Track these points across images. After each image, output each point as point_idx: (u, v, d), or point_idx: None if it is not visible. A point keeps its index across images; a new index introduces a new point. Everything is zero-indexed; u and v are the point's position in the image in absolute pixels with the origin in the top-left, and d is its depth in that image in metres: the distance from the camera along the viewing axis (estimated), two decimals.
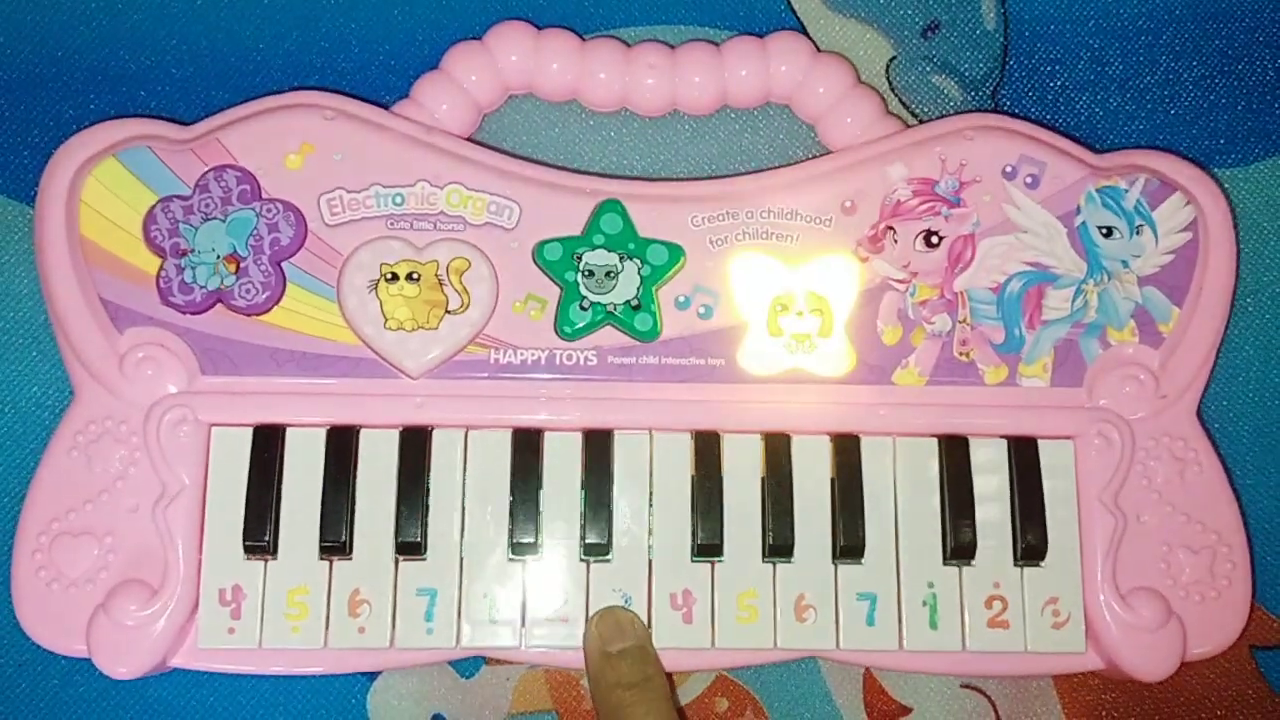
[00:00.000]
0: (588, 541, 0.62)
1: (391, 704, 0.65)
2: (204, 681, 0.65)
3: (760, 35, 0.68)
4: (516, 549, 0.62)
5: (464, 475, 0.63)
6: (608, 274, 0.64)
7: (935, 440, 0.64)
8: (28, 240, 0.67)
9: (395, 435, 0.63)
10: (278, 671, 0.62)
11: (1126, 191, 0.66)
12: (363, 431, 0.63)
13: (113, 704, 0.65)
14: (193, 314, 0.63)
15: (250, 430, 0.63)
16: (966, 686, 0.67)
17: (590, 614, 0.62)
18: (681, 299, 0.65)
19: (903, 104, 0.71)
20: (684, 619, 0.62)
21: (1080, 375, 0.65)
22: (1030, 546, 0.62)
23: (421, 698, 0.66)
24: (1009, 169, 0.66)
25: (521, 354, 0.64)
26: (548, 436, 0.63)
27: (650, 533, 0.63)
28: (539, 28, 0.68)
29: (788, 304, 0.64)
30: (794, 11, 0.71)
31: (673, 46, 0.68)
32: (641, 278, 0.64)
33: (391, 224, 0.64)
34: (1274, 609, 0.68)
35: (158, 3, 0.70)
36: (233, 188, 0.64)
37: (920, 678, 0.67)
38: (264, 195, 0.64)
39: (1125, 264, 0.65)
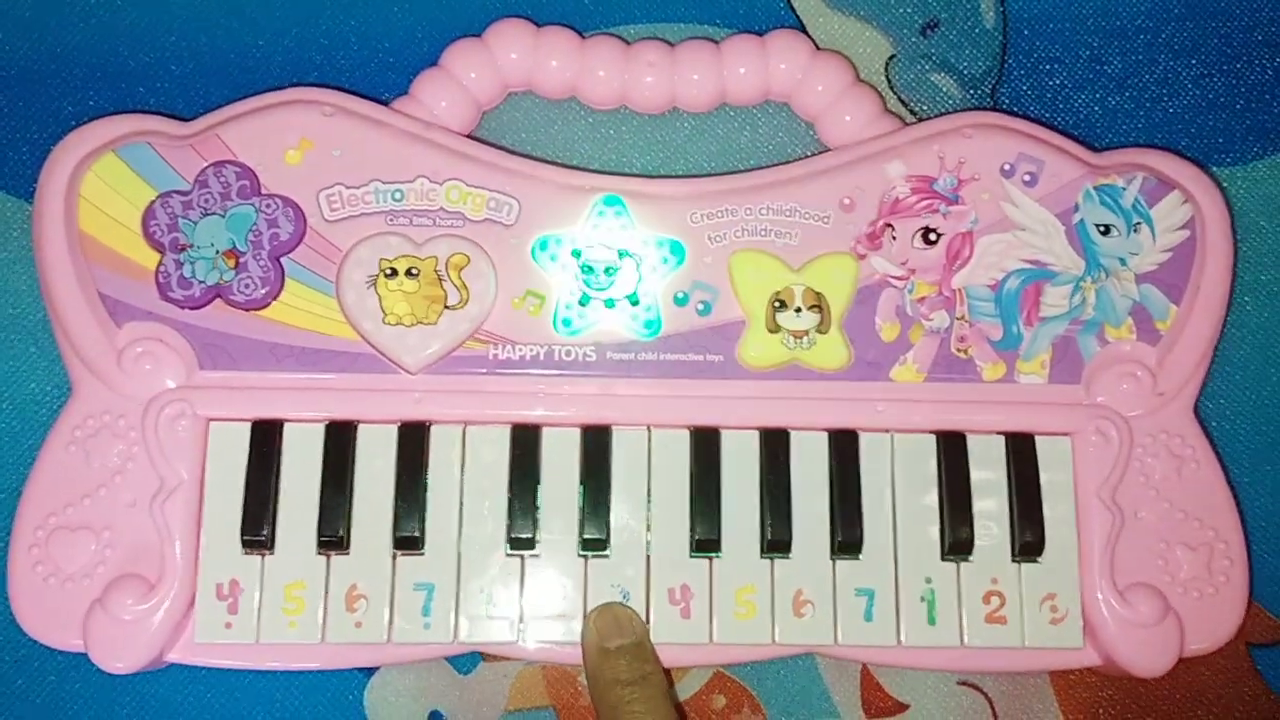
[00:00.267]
0: (586, 537, 0.62)
1: (389, 700, 0.65)
2: (201, 677, 0.65)
3: (759, 33, 0.68)
4: (514, 544, 0.62)
5: (462, 470, 0.63)
6: (607, 270, 0.64)
7: (933, 437, 0.64)
8: (26, 237, 0.67)
9: (393, 430, 0.63)
10: (274, 666, 0.62)
11: (1124, 190, 0.66)
12: (361, 427, 0.63)
13: (109, 700, 0.65)
14: (191, 309, 0.63)
15: (248, 425, 0.63)
16: (963, 684, 0.67)
17: (588, 610, 0.62)
18: (680, 295, 0.65)
19: (901, 102, 0.71)
20: (682, 614, 0.62)
21: (1078, 372, 0.65)
22: (1028, 543, 0.63)
23: (419, 694, 0.65)
24: (1007, 167, 0.66)
25: (520, 349, 0.64)
26: (546, 432, 0.63)
27: (648, 528, 0.63)
28: (538, 25, 0.68)
29: (786, 300, 0.65)
30: (793, 9, 0.71)
31: (672, 44, 0.68)
32: (640, 274, 0.64)
33: (391, 220, 0.64)
34: (1270, 607, 0.68)
35: (157, 0, 0.70)
36: (232, 183, 0.64)
37: (917, 675, 0.67)
38: (263, 191, 0.64)
39: (1123, 261, 0.65)
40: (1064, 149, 0.66)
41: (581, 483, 0.63)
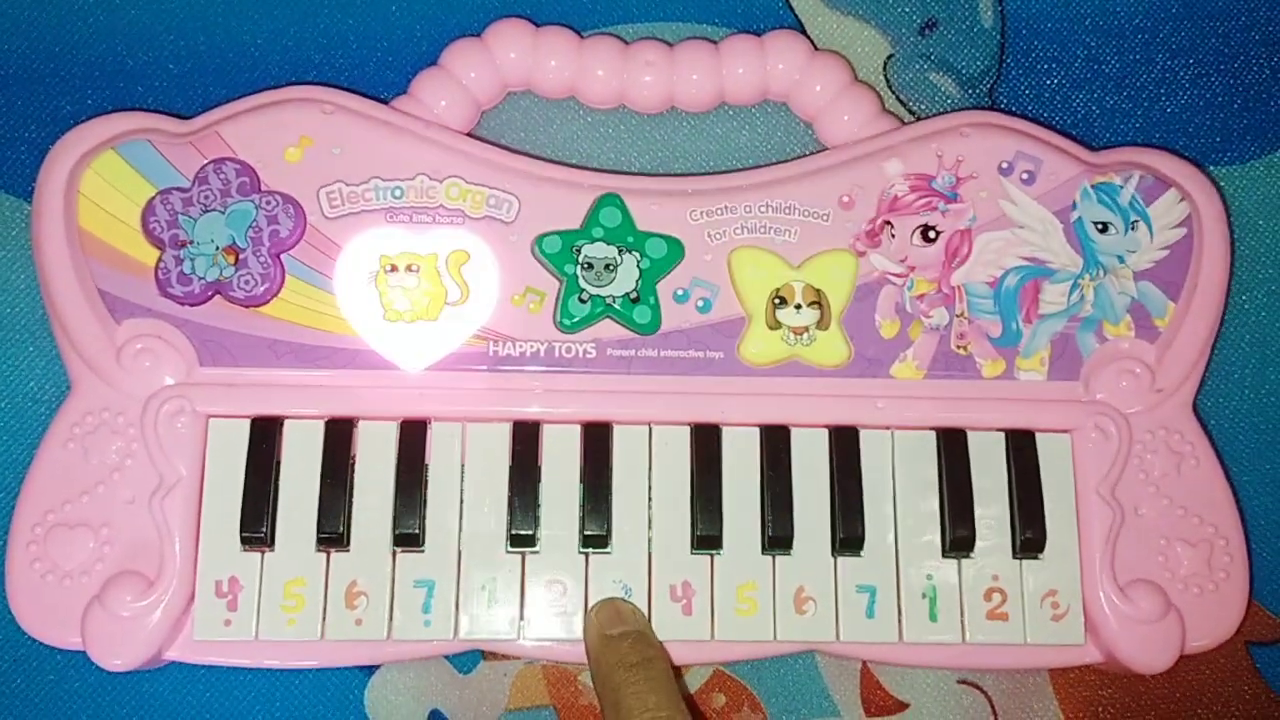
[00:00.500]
0: (587, 533, 0.62)
1: (389, 699, 0.65)
2: (200, 676, 0.64)
3: (758, 33, 0.68)
4: (515, 541, 0.62)
5: (462, 467, 0.63)
6: (607, 267, 0.64)
7: (933, 433, 0.64)
8: (25, 236, 0.66)
9: (394, 427, 0.63)
10: (274, 664, 0.62)
11: (1122, 188, 0.66)
12: (361, 423, 0.63)
13: (108, 697, 0.64)
14: (191, 305, 0.63)
15: (248, 422, 0.62)
16: (963, 682, 0.67)
17: (589, 607, 0.62)
18: (680, 292, 0.65)
19: (900, 101, 0.71)
20: (683, 611, 0.62)
21: (1077, 369, 0.65)
22: (1029, 539, 0.63)
23: (419, 693, 0.65)
24: (1005, 165, 0.66)
25: (520, 346, 0.64)
26: (546, 429, 0.63)
27: (649, 525, 0.63)
28: (537, 25, 0.68)
29: (786, 297, 0.65)
30: (791, 9, 0.71)
31: (671, 44, 0.68)
32: (640, 271, 0.64)
33: (391, 217, 0.64)
34: (1270, 605, 0.68)
35: None
36: (232, 180, 0.64)
37: (917, 674, 0.66)
38: (263, 188, 0.64)
39: (1121, 259, 0.66)
40: (1062, 148, 0.66)
41: (582, 480, 0.63)
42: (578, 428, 0.63)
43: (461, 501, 0.62)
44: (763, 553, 0.62)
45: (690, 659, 0.64)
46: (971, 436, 0.64)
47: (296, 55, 0.70)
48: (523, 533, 0.62)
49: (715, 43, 0.68)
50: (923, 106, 0.71)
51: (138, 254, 0.63)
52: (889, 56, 0.71)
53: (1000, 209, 0.66)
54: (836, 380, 0.65)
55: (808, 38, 0.69)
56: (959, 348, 0.65)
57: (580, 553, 0.62)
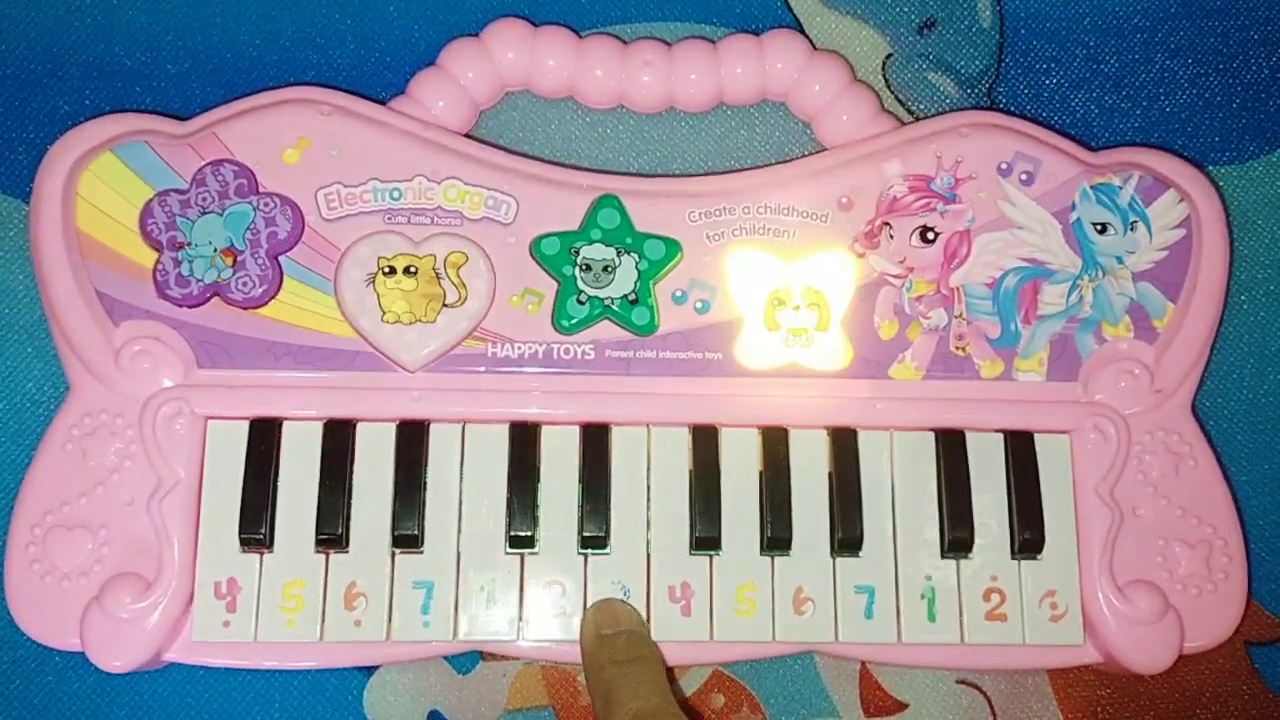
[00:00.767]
0: (585, 534, 0.62)
1: (388, 700, 0.65)
2: (199, 677, 0.64)
3: (757, 33, 0.68)
4: (514, 542, 0.62)
5: (461, 468, 0.63)
6: (605, 268, 0.64)
7: (932, 434, 0.64)
8: (23, 236, 0.66)
9: (392, 429, 0.63)
10: (273, 665, 0.62)
11: (1121, 188, 0.66)
12: (359, 425, 0.63)
13: (107, 699, 0.64)
14: (189, 307, 0.63)
15: (246, 424, 0.62)
16: (962, 683, 0.67)
17: (587, 607, 0.62)
18: (679, 293, 0.65)
19: (899, 101, 0.71)
20: (682, 612, 0.62)
21: (1076, 370, 0.65)
22: (1028, 540, 0.63)
23: (418, 694, 0.65)
24: (1004, 166, 0.66)
25: (519, 348, 0.64)
26: (545, 430, 0.63)
27: (648, 526, 0.63)
28: (536, 25, 0.68)
29: (785, 299, 0.65)
30: (790, 9, 0.71)
31: (669, 44, 0.68)
32: (639, 272, 0.64)
33: (389, 218, 0.64)
34: (1268, 605, 0.68)
35: None
36: (230, 182, 0.64)
37: (916, 674, 0.67)
38: (261, 189, 0.64)
39: (1120, 260, 0.66)
40: (1061, 148, 0.66)
41: (581, 481, 0.63)
42: (576, 429, 0.63)
43: (460, 503, 0.62)
44: (761, 553, 0.63)
45: (689, 659, 0.64)
46: (970, 437, 0.64)
47: (294, 56, 0.70)
48: (521, 534, 0.62)
49: (714, 42, 0.68)
50: (921, 106, 0.71)
51: (136, 256, 0.63)
52: (887, 56, 0.71)
53: (999, 210, 0.66)
54: (835, 381, 0.65)
55: (806, 38, 0.69)
56: (958, 349, 0.65)
57: (579, 554, 0.62)
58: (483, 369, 0.64)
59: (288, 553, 0.61)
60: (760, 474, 0.63)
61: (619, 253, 0.65)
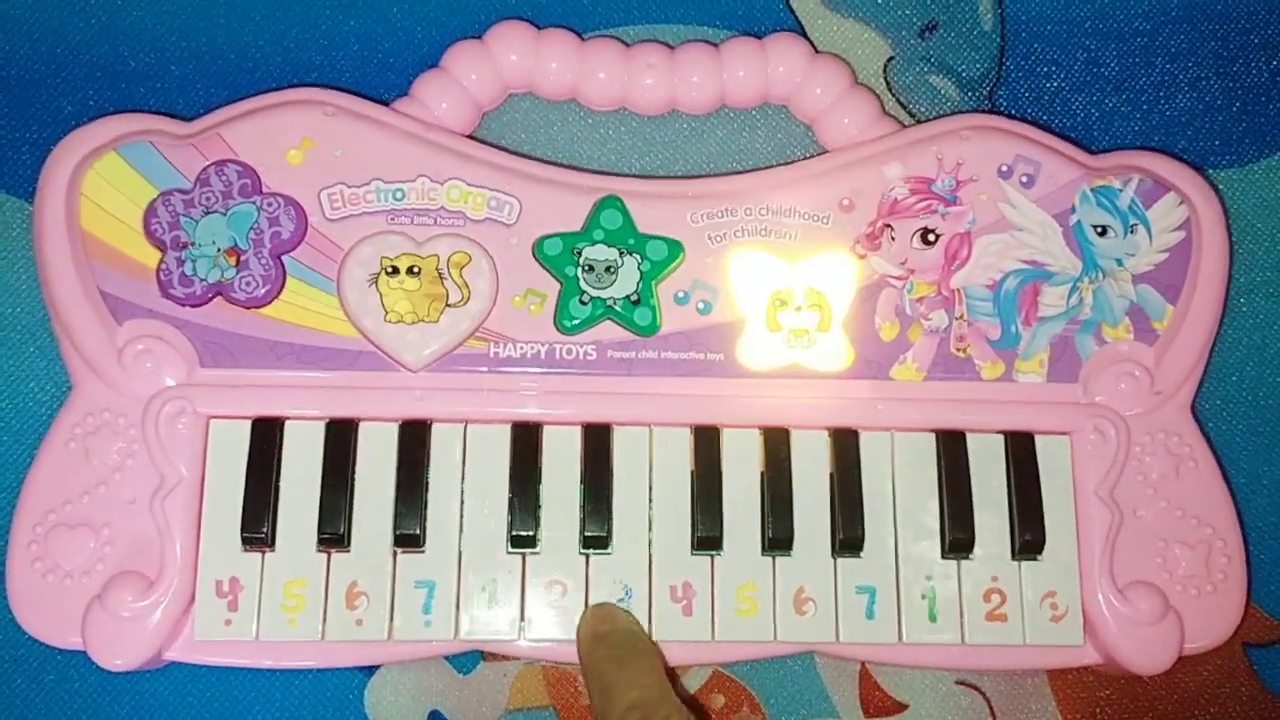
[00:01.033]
0: (587, 534, 0.62)
1: (389, 700, 0.65)
2: (200, 676, 0.64)
3: (759, 35, 0.69)
4: (515, 542, 0.62)
5: (463, 468, 0.63)
6: (607, 269, 0.65)
7: (933, 435, 0.64)
8: (26, 236, 0.67)
9: (394, 428, 0.63)
10: (274, 664, 0.62)
11: (1121, 191, 0.66)
12: (362, 424, 0.63)
13: (108, 697, 0.64)
14: (192, 306, 0.63)
15: (249, 423, 0.63)
16: (962, 684, 0.67)
17: (585, 608, 0.62)
18: (681, 294, 0.65)
19: (900, 104, 0.71)
20: (684, 612, 0.62)
21: (1076, 371, 0.65)
22: (1028, 541, 0.63)
23: (419, 693, 0.65)
24: (1005, 168, 0.66)
25: (521, 348, 0.64)
26: (547, 430, 0.63)
27: (650, 526, 0.63)
28: (539, 27, 0.68)
29: (786, 300, 0.65)
30: (792, 11, 0.72)
31: (672, 46, 0.68)
32: (641, 273, 0.65)
33: (392, 219, 0.64)
34: (1267, 606, 0.68)
35: (159, 0, 0.71)
36: (234, 182, 0.64)
37: (915, 675, 0.67)
38: (265, 189, 0.64)
39: (1120, 262, 0.66)
40: (1061, 151, 0.66)
41: (582, 481, 0.63)
42: (578, 429, 0.63)
43: (462, 502, 0.62)
44: (763, 554, 0.63)
45: (690, 659, 0.64)
46: (971, 438, 0.64)
47: (298, 57, 0.71)
48: (523, 534, 0.62)
49: (716, 45, 0.68)
50: (923, 109, 0.71)
51: (139, 255, 0.64)
52: (889, 59, 0.72)
53: (1000, 212, 0.66)
54: (836, 382, 0.65)
55: (808, 40, 0.70)
56: (958, 350, 0.65)
57: (581, 554, 0.62)
58: (485, 369, 0.64)
59: (289, 552, 0.61)
60: (762, 474, 0.63)
61: (621, 253, 0.65)
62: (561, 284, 0.64)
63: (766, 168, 0.68)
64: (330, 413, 0.63)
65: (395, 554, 0.62)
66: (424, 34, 0.71)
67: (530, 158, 0.68)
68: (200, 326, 0.63)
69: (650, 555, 0.62)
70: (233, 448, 0.62)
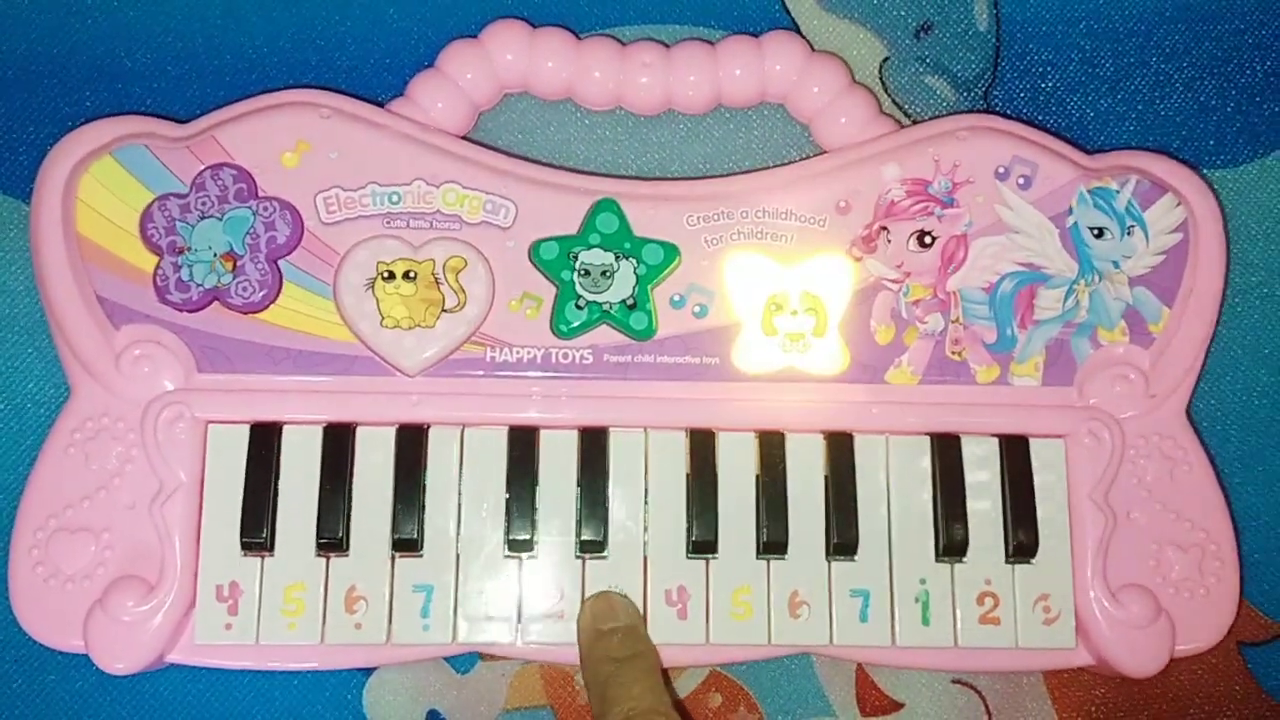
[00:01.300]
0: (583, 538, 0.62)
1: (387, 700, 0.66)
2: (200, 678, 0.65)
3: (755, 35, 0.68)
4: (512, 546, 0.62)
5: (460, 472, 0.63)
6: (604, 273, 0.65)
7: (928, 439, 0.64)
8: (23, 237, 0.67)
9: (391, 433, 0.63)
10: (274, 667, 0.62)
11: (1118, 192, 0.66)
12: (359, 429, 0.63)
13: (109, 700, 0.65)
14: (189, 311, 0.63)
15: (247, 428, 0.63)
16: (958, 682, 0.67)
17: (584, 599, 0.62)
18: (677, 298, 0.65)
19: (896, 104, 0.71)
20: (679, 615, 0.62)
21: (1071, 375, 0.65)
22: (1022, 544, 0.63)
23: (417, 693, 0.66)
24: (1001, 170, 0.66)
25: (517, 352, 0.64)
26: (543, 434, 0.64)
27: (645, 530, 0.63)
28: (534, 26, 0.68)
29: (782, 303, 0.65)
30: (788, 12, 0.71)
31: (668, 46, 0.68)
32: (637, 277, 0.65)
33: (388, 223, 0.65)
34: (1262, 605, 0.68)
35: (154, 0, 0.70)
36: (229, 186, 0.64)
37: (912, 674, 0.67)
38: (260, 194, 0.64)
39: (1116, 264, 0.66)
40: (1058, 152, 0.66)
41: (579, 484, 0.63)
42: (574, 433, 0.64)
43: (459, 506, 0.63)
44: (757, 557, 0.63)
45: (686, 662, 0.65)
46: (965, 442, 0.64)
47: (295, 56, 0.70)
48: (520, 537, 0.62)
49: (712, 44, 0.68)
50: (918, 110, 0.71)
51: (136, 260, 0.64)
52: (885, 59, 0.71)
53: (996, 214, 0.66)
54: (832, 386, 0.65)
55: (805, 40, 0.69)
56: (954, 353, 0.65)
57: (577, 557, 0.63)
58: (481, 373, 0.64)
59: (288, 556, 0.62)
60: (757, 478, 0.64)
61: (617, 257, 0.65)
62: (558, 288, 0.64)
63: (763, 168, 0.68)
64: (328, 417, 0.63)
65: (393, 558, 0.62)
66: (419, 34, 0.71)
67: (526, 159, 0.67)
68: (197, 331, 0.63)
69: (645, 559, 0.63)
70: (231, 452, 0.63)
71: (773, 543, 0.63)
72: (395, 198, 0.65)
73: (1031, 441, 0.64)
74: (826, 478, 0.64)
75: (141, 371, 0.63)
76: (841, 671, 0.67)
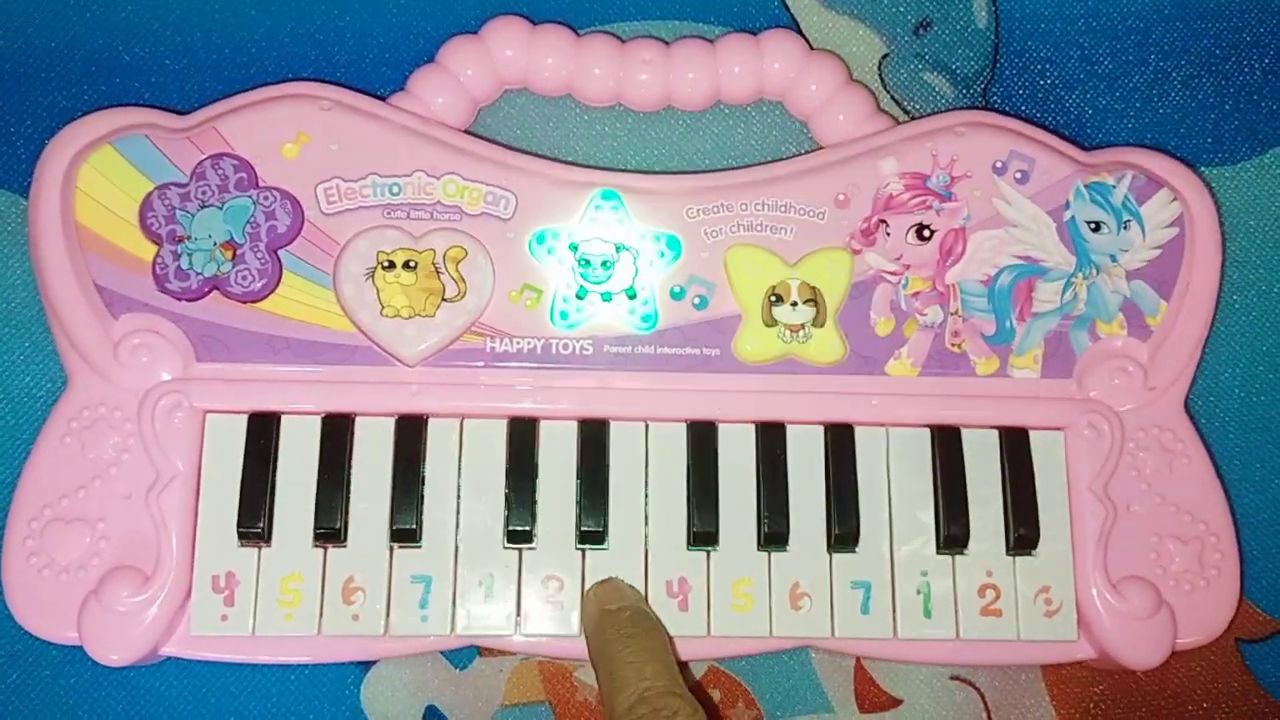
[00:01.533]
0: (583, 529, 0.62)
1: (385, 695, 0.65)
2: (197, 671, 0.64)
3: (754, 32, 0.69)
4: (512, 537, 0.62)
5: (459, 463, 0.63)
6: (604, 264, 0.65)
7: (928, 430, 0.64)
8: (21, 230, 0.66)
9: (391, 423, 0.63)
10: (270, 659, 0.62)
11: (1114, 187, 0.67)
12: (358, 419, 0.63)
13: (104, 692, 0.64)
14: (188, 301, 0.63)
15: (245, 417, 0.62)
16: (956, 679, 0.67)
17: (588, 587, 0.62)
18: (677, 289, 0.65)
19: (895, 101, 0.71)
20: (680, 607, 0.62)
21: (1070, 367, 0.66)
22: (1022, 536, 0.63)
23: (415, 689, 0.65)
24: (999, 164, 0.66)
25: (517, 343, 0.64)
26: (543, 425, 0.63)
27: (646, 522, 0.63)
28: (534, 23, 0.68)
29: (782, 295, 0.65)
30: (787, 8, 0.72)
31: (667, 43, 0.69)
32: (637, 268, 0.65)
33: (388, 213, 0.64)
34: (1260, 602, 0.68)
35: None
36: (230, 176, 0.64)
37: (910, 670, 0.67)
38: (261, 183, 0.64)
39: (1113, 258, 0.66)
40: (1055, 147, 0.67)
41: (579, 476, 0.63)
42: (574, 424, 0.64)
43: (458, 497, 0.62)
44: (758, 549, 0.63)
45: (686, 654, 0.64)
46: (965, 434, 0.64)
47: (294, 51, 0.70)
48: (519, 529, 0.62)
49: (711, 41, 0.68)
50: (917, 106, 0.71)
51: (135, 249, 0.64)
52: (884, 56, 0.72)
53: (994, 208, 0.66)
54: (832, 377, 0.65)
55: (803, 37, 0.70)
56: (953, 345, 0.65)
57: (577, 549, 0.62)
58: (481, 364, 0.64)
59: (286, 547, 0.61)
60: (757, 470, 0.63)
61: (618, 248, 0.65)
62: (558, 279, 0.64)
63: (762, 163, 0.68)
64: (326, 407, 0.63)
65: (392, 549, 0.62)
66: (420, 29, 0.71)
67: (526, 154, 0.67)
68: (196, 321, 0.63)
69: (646, 550, 0.63)
70: (229, 442, 0.62)
71: (773, 534, 0.62)
72: (396, 189, 0.65)
73: (1031, 434, 0.65)
74: (827, 470, 0.64)
75: (140, 361, 0.63)
76: (840, 667, 0.67)
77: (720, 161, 0.70)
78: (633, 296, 0.64)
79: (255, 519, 0.61)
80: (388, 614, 0.61)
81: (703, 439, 0.64)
